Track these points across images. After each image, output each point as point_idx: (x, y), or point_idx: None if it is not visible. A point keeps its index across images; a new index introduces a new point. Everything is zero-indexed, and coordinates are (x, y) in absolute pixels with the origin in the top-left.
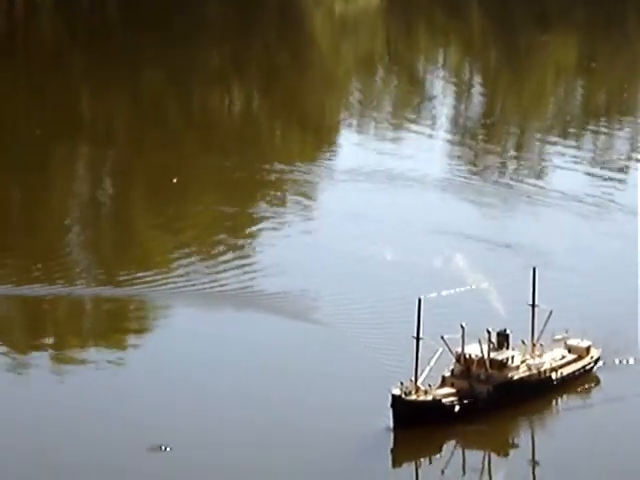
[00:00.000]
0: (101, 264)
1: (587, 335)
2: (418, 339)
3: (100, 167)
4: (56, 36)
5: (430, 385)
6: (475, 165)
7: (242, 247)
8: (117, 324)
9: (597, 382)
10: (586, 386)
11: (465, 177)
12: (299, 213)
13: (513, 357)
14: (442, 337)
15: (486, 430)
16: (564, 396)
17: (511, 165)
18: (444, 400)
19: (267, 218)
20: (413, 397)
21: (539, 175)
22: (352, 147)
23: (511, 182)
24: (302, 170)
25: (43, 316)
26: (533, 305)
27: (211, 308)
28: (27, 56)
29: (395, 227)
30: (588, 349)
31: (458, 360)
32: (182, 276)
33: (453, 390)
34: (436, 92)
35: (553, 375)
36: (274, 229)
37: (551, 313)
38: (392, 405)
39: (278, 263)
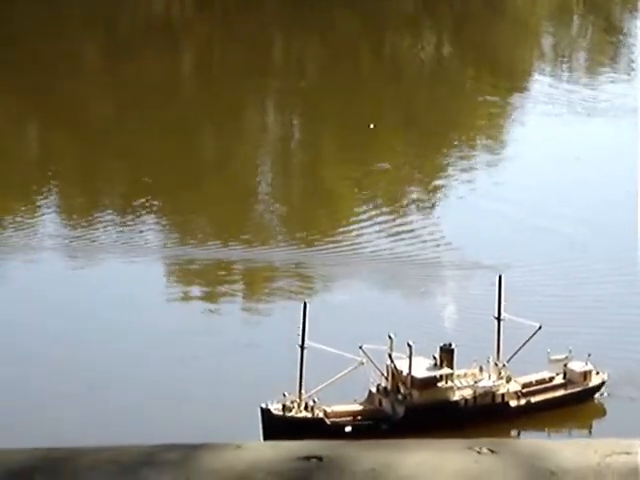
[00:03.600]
0: (287, 223)
1: (592, 358)
2: (303, 347)
3: (292, 111)
4: None
5: (315, 400)
6: None
7: (431, 206)
8: (286, 287)
9: (586, 415)
10: (564, 418)
11: None
12: (492, 159)
13: (447, 376)
14: (360, 347)
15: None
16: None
17: None
18: (331, 419)
19: (459, 167)
20: (292, 413)
21: None
22: (544, 91)
23: None
24: (494, 112)
25: (222, 278)
26: (499, 318)
27: (388, 279)
28: (223, 4)
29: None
30: (585, 375)
31: (386, 375)
32: (365, 240)
33: (359, 408)
34: (634, 41)
35: (513, 402)
36: (467, 180)
37: (539, 329)
38: (262, 420)
39: (467, 228)
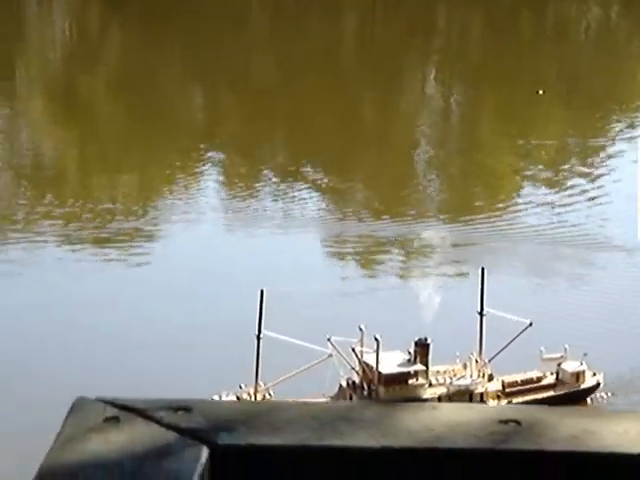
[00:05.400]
0: (444, 196)
1: (587, 357)
2: (259, 337)
3: (455, 77)
4: None
5: (271, 394)
6: None
7: (595, 182)
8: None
9: None
10: None
11: None
12: None
13: (419, 372)
14: (329, 339)
15: None
16: None
17: None
18: None
19: (628, 140)
20: None
21: None
22: None
23: None
24: None
25: (377, 253)
26: (481, 313)
27: (535, 260)
28: None
29: None
30: (578, 375)
31: (357, 369)
32: (522, 217)
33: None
34: None
35: (492, 402)
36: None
37: (530, 325)
38: None
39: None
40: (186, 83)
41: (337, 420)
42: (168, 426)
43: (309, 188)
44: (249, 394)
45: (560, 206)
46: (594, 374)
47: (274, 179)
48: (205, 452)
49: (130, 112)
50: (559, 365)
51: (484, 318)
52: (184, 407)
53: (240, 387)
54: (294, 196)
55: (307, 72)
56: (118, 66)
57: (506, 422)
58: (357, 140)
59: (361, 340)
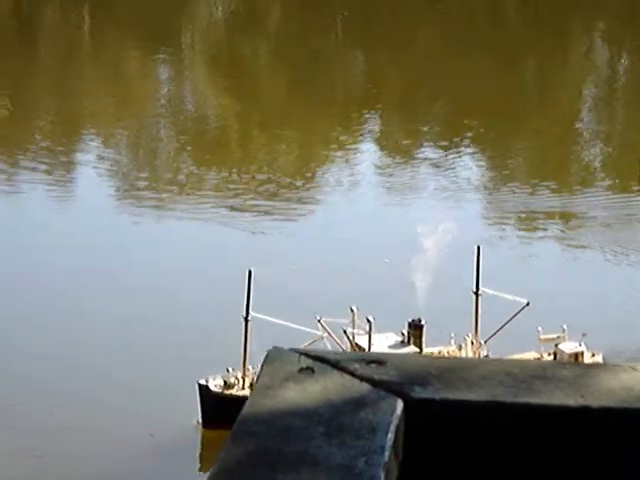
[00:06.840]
0: (604, 169)
1: (587, 337)
2: (247, 319)
3: (619, 40)
4: None
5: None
6: None
7: None
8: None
9: None
10: None
11: None
12: None
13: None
14: (319, 320)
15: None
16: None
17: None
18: None
19: None
20: (233, 390)
21: None
22: None
23: None
24: None
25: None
26: (477, 292)
27: None
28: None
29: None
30: (576, 357)
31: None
32: None
33: None
34: None
35: None
36: None
37: (527, 305)
38: (200, 397)
39: None
40: (347, 51)
41: (532, 378)
42: (362, 378)
43: (466, 158)
44: (237, 378)
45: None
46: (593, 354)
47: (433, 148)
48: (400, 405)
49: (291, 80)
50: (556, 346)
51: (479, 298)
52: (377, 360)
53: (227, 371)
54: (450, 166)
55: (467, 40)
56: (279, 35)
57: None
58: (520, 108)
59: (353, 320)
